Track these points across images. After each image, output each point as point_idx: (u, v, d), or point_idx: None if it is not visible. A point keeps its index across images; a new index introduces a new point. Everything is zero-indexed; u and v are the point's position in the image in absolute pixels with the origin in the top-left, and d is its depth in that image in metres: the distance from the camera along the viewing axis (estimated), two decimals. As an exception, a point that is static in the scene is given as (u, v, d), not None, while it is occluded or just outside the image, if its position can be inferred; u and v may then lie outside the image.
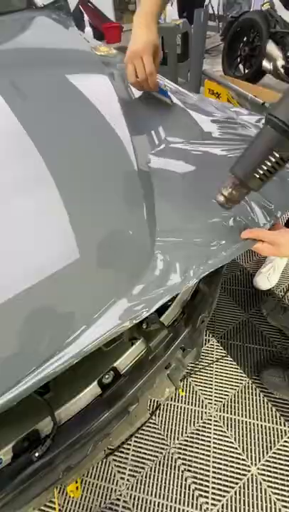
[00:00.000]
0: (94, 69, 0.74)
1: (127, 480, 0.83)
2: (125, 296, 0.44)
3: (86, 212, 0.49)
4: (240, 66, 2.89)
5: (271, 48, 2.37)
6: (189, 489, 0.81)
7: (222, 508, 0.78)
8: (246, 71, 2.82)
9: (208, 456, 0.86)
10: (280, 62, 2.34)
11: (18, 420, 0.52)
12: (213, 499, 0.79)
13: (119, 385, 0.55)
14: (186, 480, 0.82)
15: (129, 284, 0.45)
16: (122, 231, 0.49)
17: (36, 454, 0.47)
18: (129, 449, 0.88)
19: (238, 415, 0.92)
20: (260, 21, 2.43)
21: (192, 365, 1.04)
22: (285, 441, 0.87)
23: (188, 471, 0.84)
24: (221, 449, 0.87)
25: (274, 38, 2.36)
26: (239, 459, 0.85)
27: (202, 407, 0.95)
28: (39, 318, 0.41)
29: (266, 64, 2.48)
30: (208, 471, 0.83)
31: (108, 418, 0.54)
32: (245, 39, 2.75)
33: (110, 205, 0.50)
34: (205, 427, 0.91)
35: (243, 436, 0.89)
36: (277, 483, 0.81)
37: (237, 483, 0.81)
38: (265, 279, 1.23)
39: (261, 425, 0.90)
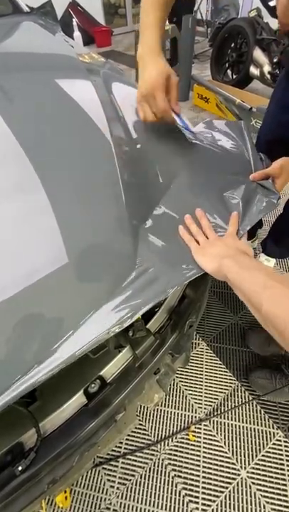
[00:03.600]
0: (78, 75, 0.74)
1: (117, 488, 0.82)
2: (109, 303, 0.44)
3: (70, 219, 0.48)
4: (228, 71, 2.93)
5: (258, 54, 2.42)
6: (180, 495, 0.81)
7: (212, 513, 0.78)
8: (234, 76, 2.87)
9: (199, 461, 0.86)
10: (267, 68, 2.39)
11: (1, 433, 0.51)
12: (204, 504, 0.79)
13: (106, 394, 0.55)
14: (176, 486, 0.82)
15: (113, 291, 0.45)
16: (106, 239, 0.49)
17: (19, 468, 0.46)
18: (119, 457, 0.87)
19: (228, 418, 0.93)
20: (247, 28, 2.48)
21: (182, 369, 1.04)
22: (274, 444, 0.88)
23: (179, 476, 0.84)
24: (211, 454, 0.87)
25: (260, 45, 2.41)
26: (229, 462, 0.85)
27: (192, 412, 0.95)
28: (23, 325, 0.40)
29: (253, 70, 2.53)
30: (199, 476, 0.83)
31: (94, 428, 0.54)
32: (232, 45, 2.80)
33: (94, 213, 0.50)
34: (195, 431, 0.91)
35: (232, 439, 0.89)
36: (266, 486, 0.81)
37: (227, 488, 0.81)
38: None
39: (250, 428, 0.91)
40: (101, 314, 0.43)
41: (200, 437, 0.90)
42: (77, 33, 2.71)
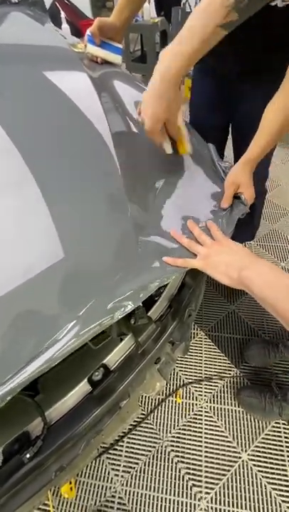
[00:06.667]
0: (72, 66, 0.73)
1: (122, 476, 0.84)
2: (109, 291, 0.44)
3: (69, 210, 0.48)
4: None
5: (247, 46, 2.43)
6: (183, 480, 0.83)
7: (215, 495, 0.80)
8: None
9: (200, 446, 0.88)
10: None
11: (7, 423, 0.51)
12: (207, 487, 0.81)
13: (110, 381, 0.56)
14: (179, 471, 0.84)
15: (113, 278, 0.45)
16: (106, 228, 0.49)
17: (27, 456, 0.47)
18: (122, 446, 0.88)
19: (228, 404, 0.95)
20: (236, 20, 2.48)
21: (181, 358, 1.05)
22: (273, 427, 0.90)
23: (182, 462, 0.85)
24: (212, 439, 0.89)
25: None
26: (230, 446, 0.87)
27: (193, 399, 0.96)
28: (22, 317, 0.40)
29: (243, 62, 2.53)
30: (201, 460, 0.85)
31: (99, 415, 0.54)
32: (222, 38, 2.79)
33: (92, 203, 0.50)
34: (196, 419, 0.93)
35: (233, 424, 0.91)
36: (266, 468, 0.84)
37: (229, 471, 0.84)
38: None
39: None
40: (104, 300, 0.43)
41: (201, 423, 0.91)
42: (65, 25, 2.66)
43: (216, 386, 0.99)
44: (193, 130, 0.74)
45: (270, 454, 0.86)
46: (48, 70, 0.70)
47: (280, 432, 0.89)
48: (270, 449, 0.87)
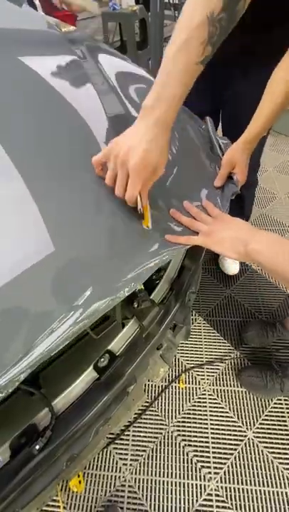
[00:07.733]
0: (61, 50, 0.69)
1: (130, 465, 0.83)
2: (112, 271, 0.42)
3: (66, 196, 0.46)
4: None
5: (227, 34, 2.42)
6: (192, 463, 0.83)
7: (224, 474, 0.81)
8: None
9: (206, 428, 0.88)
10: (237, 49, 2.40)
11: (13, 417, 0.49)
12: (215, 467, 0.82)
13: (116, 367, 0.54)
14: (187, 455, 0.84)
15: (114, 260, 0.43)
16: (103, 212, 0.47)
17: (37, 447, 0.45)
18: (128, 435, 0.87)
19: (230, 386, 0.96)
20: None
21: (182, 344, 1.05)
22: (275, 403, 0.92)
23: (189, 445, 0.86)
24: (217, 420, 0.90)
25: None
26: (235, 426, 0.88)
27: (196, 384, 0.97)
28: (23, 306, 0.37)
29: (224, 50, 2.52)
30: (208, 442, 0.86)
31: (107, 401, 0.53)
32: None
33: (88, 187, 0.48)
34: (200, 402, 0.93)
35: (236, 404, 0.92)
36: (272, 443, 0.85)
37: (236, 449, 0.85)
38: (232, 263, 1.25)
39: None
40: (107, 281, 0.41)
41: (206, 406, 0.92)
42: (41, 13, 2.58)
43: (218, 369, 1.00)
44: (186, 108, 0.72)
45: (275, 429, 0.88)
46: (35, 53, 0.66)
47: (282, 407, 0.91)
48: (274, 425, 0.88)
